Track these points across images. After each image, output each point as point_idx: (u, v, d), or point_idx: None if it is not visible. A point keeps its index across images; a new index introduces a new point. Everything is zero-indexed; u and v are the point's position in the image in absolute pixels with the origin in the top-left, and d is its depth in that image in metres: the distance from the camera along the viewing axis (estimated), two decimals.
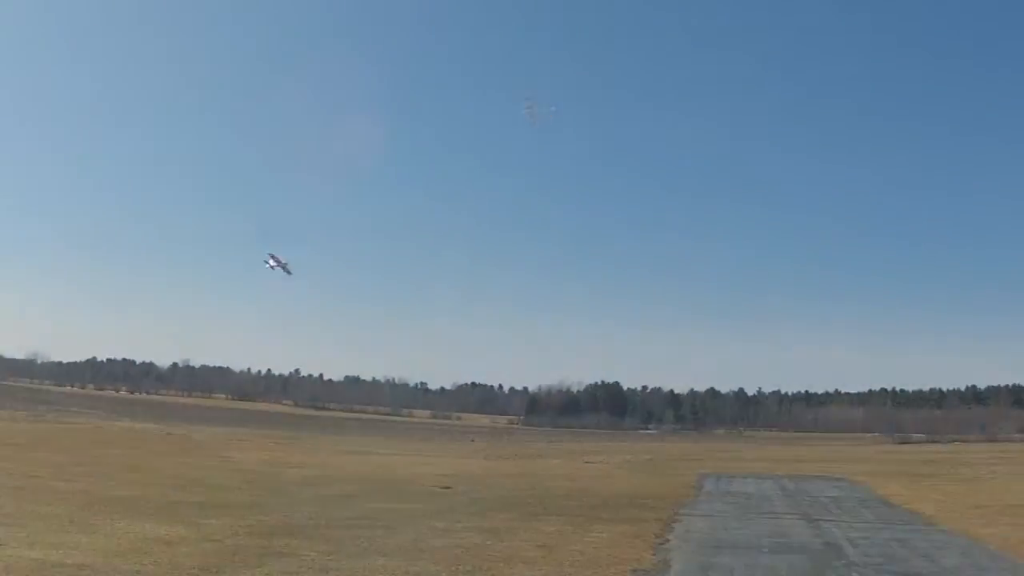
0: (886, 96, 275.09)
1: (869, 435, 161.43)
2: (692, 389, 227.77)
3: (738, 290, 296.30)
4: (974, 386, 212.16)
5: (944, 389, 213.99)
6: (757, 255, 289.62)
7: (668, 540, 20.94)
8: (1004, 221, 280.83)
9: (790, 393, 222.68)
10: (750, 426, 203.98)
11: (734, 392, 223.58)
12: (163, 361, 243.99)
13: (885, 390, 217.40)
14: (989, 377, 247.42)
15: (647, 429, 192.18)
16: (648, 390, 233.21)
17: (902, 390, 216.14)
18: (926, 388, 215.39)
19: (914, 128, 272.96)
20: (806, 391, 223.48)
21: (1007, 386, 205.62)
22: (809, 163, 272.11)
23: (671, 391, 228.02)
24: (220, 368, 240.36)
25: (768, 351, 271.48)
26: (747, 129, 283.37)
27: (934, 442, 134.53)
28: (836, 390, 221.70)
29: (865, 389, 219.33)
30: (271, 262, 60.82)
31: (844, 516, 27.95)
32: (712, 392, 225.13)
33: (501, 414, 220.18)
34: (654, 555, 18.43)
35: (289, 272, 62.29)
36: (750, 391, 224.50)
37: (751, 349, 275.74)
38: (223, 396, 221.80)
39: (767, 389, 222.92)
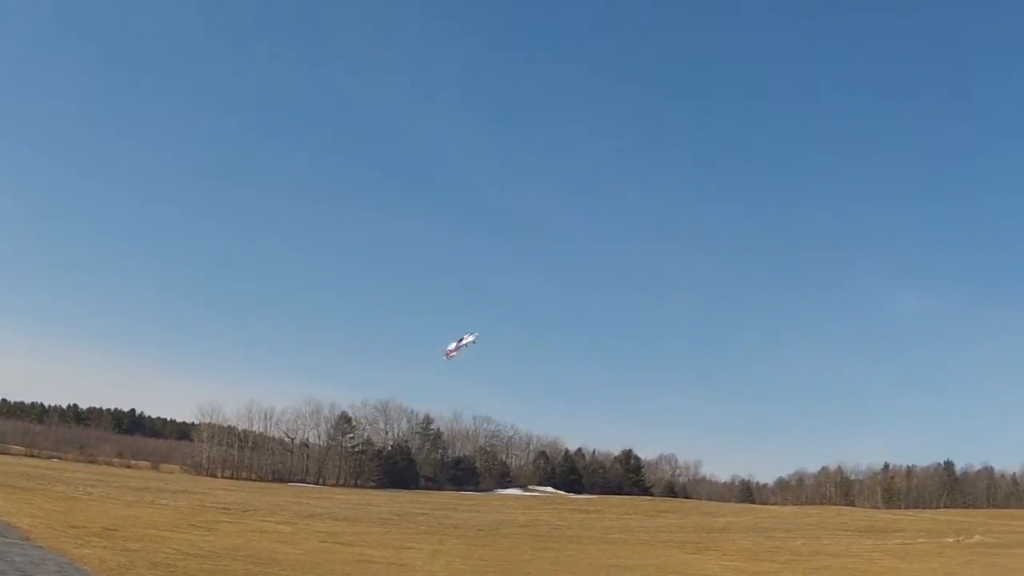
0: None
1: None
2: None
3: None
4: (76, 405, 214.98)
5: (46, 404, 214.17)
6: None
7: None
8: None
9: None
10: None
11: None
12: None
13: None
14: (90, 399, 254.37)
15: None
16: None
17: (4, 400, 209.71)
18: (28, 401, 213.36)
19: None
20: None
21: (108, 409, 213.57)
22: None
23: None
24: None
25: None
26: None
27: (33, 456, 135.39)
28: None
29: None
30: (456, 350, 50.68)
31: None
32: None
33: None
34: None
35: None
36: None
37: None
38: None
39: None
